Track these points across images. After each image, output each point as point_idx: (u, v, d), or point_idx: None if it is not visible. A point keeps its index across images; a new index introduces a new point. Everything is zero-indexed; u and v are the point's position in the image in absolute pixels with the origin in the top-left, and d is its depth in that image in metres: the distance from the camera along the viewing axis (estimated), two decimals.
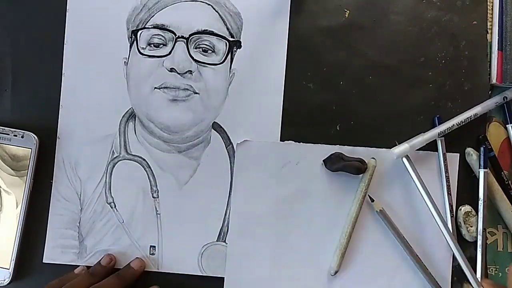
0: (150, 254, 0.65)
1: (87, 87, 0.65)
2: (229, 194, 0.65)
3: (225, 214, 0.64)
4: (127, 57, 0.65)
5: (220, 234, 0.64)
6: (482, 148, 0.63)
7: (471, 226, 0.64)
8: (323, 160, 0.65)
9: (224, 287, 0.65)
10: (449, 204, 0.63)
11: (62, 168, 0.65)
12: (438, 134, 0.63)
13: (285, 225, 0.65)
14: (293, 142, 0.65)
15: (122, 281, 0.62)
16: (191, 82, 0.64)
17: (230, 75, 0.65)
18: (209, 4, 0.65)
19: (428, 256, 0.64)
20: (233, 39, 0.65)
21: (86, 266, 0.65)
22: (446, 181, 0.64)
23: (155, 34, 0.64)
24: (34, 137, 0.63)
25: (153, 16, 0.65)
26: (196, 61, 0.64)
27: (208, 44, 0.65)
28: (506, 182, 0.64)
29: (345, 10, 0.66)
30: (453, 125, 0.64)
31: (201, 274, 0.65)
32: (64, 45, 0.66)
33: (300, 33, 0.66)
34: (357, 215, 0.63)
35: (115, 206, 0.65)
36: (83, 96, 0.65)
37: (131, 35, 0.65)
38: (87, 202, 0.65)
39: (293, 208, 0.65)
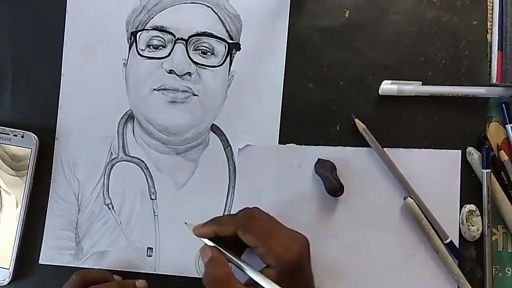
0: (147, 256, 0.74)
1: (86, 88, 0.75)
2: (227, 196, 0.74)
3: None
4: (126, 58, 0.75)
5: None
6: (484, 148, 0.73)
7: (473, 226, 0.73)
8: (315, 164, 0.74)
9: None
10: None
11: (60, 169, 0.75)
12: (430, 95, 0.74)
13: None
14: (294, 144, 0.75)
15: None
16: (190, 84, 0.74)
17: (229, 77, 0.75)
18: (208, 6, 0.75)
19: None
20: (232, 41, 0.75)
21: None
22: None
23: (155, 36, 0.74)
24: (34, 137, 0.73)
25: (152, 18, 0.75)
26: (195, 63, 0.74)
27: (207, 46, 0.75)
28: (506, 182, 0.74)
29: (345, 10, 0.76)
30: (452, 93, 0.74)
31: (199, 277, 0.74)
32: (64, 46, 0.76)
33: (300, 33, 0.76)
34: None
35: (112, 208, 0.74)
36: (82, 97, 0.75)
37: (131, 36, 0.75)
38: (85, 203, 0.74)
39: (295, 212, 0.74)
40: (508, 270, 0.75)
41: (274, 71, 0.75)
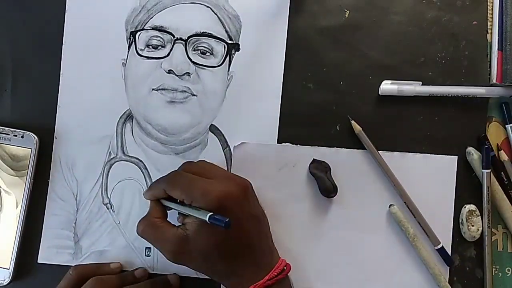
0: (145, 255, 0.75)
1: (85, 88, 0.76)
2: None
3: None
4: (125, 58, 0.76)
5: None
6: (484, 148, 0.74)
7: (472, 226, 0.74)
8: (310, 164, 0.76)
9: None
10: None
11: (58, 168, 0.76)
12: (430, 95, 0.75)
13: (281, 228, 0.75)
14: (290, 144, 0.76)
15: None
16: (189, 84, 0.76)
17: (228, 77, 0.76)
18: (208, 7, 0.76)
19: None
20: (232, 42, 0.76)
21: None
22: None
23: (154, 36, 0.76)
24: (34, 137, 0.74)
25: (152, 18, 0.76)
26: (194, 63, 0.76)
27: (206, 46, 0.76)
28: (506, 182, 0.75)
29: (345, 10, 0.77)
30: (452, 93, 0.75)
31: (196, 277, 0.75)
32: (63, 45, 0.77)
33: (300, 33, 0.77)
34: None
35: (111, 207, 0.76)
36: (81, 97, 0.76)
37: (130, 36, 0.76)
38: (83, 203, 0.76)
39: (290, 211, 0.75)
40: (508, 270, 0.76)
41: (273, 71, 0.77)
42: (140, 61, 0.76)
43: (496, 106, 0.77)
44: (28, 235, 0.76)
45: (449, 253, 0.75)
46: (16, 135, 0.75)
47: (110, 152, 0.76)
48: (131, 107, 0.77)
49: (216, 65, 0.76)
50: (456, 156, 0.76)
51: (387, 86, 0.76)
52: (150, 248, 0.76)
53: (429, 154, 0.76)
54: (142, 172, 0.76)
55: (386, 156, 0.76)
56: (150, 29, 0.76)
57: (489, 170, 0.74)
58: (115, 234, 0.76)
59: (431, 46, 0.77)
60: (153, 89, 0.76)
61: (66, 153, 0.77)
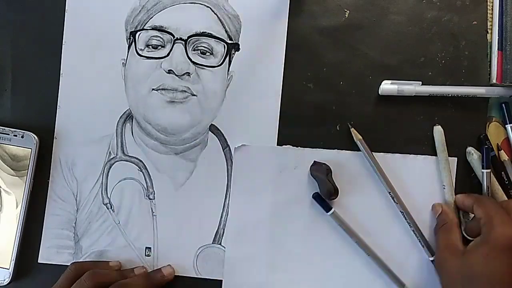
0: (145, 255, 0.76)
1: (85, 88, 0.77)
2: (225, 196, 0.76)
3: (221, 217, 0.76)
4: (125, 58, 0.77)
5: (215, 236, 0.76)
6: (484, 148, 0.74)
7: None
8: (310, 166, 0.76)
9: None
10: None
11: (58, 168, 0.77)
12: (430, 95, 0.76)
13: (282, 230, 0.76)
14: (290, 146, 0.77)
15: (150, 283, 0.74)
16: (189, 84, 0.76)
17: (228, 77, 0.77)
18: (207, 6, 0.77)
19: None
20: (232, 42, 0.77)
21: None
22: None
23: (154, 36, 0.76)
24: (34, 137, 0.75)
25: (151, 18, 0.77)
26: (194, 63, 0.76)
27: (206, 46, 0.77)
28: (506, 182, 0.75)
29: (345, 10, 0.78)
30: (452, 93, 0.76)
31: (196, 276, 0.76)
32: (63, 45, 0.78)
33: (300, 33, 0.77)
34: None
35: (111, 207, 0.76)
36: (81, 97, 0.77)
37: (130, 36, 0.77)
38: (83, 203, 0.77)
39: (290, 213, 0.76)
40: None
41: (273, 71, 0.77)
42: (140, 61, 0.77)
43: (496, 106, 0.77)
44: (28, 235, 0.77)
45: None
46: (16, 135, 0.76)
47: (110, 152, 0.77)
48: (131, 107, 0.77)
49: (216, 65, 0.77)
50: (456, 158, 0.77)
51: (387, 86, 0.76)
52: (150, 248, 0.77)
53: (430, 156, 0.77)
54: (142, 172, 0.77)
55: (386, 158, 0.77)
56: (150, 29, 0.77)
57: (489, 170, 0.75)
58: (115, 234, 0.77)
59: (431, 46, 0.78)
60: (153, 89, 0.77)
61: (66, 153, 0.78)
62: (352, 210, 0.77)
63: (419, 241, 0.76)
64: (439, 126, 0.76)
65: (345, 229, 0.75)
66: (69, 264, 0.76)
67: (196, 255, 0.76)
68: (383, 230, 0.77)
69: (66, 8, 0.78)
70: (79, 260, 0.77)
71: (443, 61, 0.78)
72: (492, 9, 0.78)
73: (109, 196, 0.77)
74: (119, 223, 0.77)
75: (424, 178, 0.77)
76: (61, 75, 0.78)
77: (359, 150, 0.77)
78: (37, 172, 0.77)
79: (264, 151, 0.77)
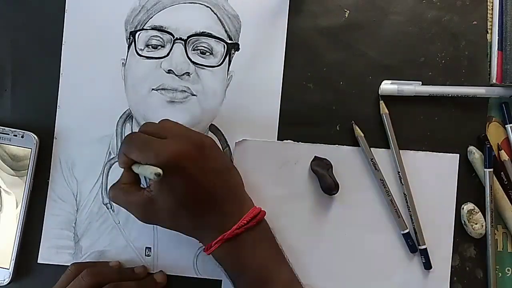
0: (145, 255, 0.76)
1: (85, 88, 0.78)
2: None
3: None
4: (125, 58, 0.78)
5: None
6: (486, 148, 0.75)
7: (476, 224, 0.75)
8: (311, 161, 0.77)
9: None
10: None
11: (58, 169, 0.77)
12: (430, 95, 0.77)
13: (283, 225, 0.76)
14: (291, 141, 0.77)
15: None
16: (189, 84, 0.77)
17: (228, 77, 0.77)
18: (207, 6, 0.77)
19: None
20: (231, 42, 0.77)
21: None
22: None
23: (153, 36, 0.77)
24: (34, 137, 0.75)
25: (151, 18, 0.77)
26: (194, 63, 0.77)
27: (206, 46, 0.77)
28: (506, 182, 0.76)
29: (345, 10, 0.78)
30: (452, 93, 0.76)
31: (197, 276, 0.77)
32: (62, 45, 0.78)
33: (300, 33, 0.78)
34: None
35: (111, 207, 0.77)
36: (81, 97, 0.77)
37: (129, 36, 0.77)
38: (83, 203, 0.77)
39: (291, 208, 0.77)
40: (508, 270, 0.77)
41: (273, 71, 0.78)
42: (139, 61, 0.78)
43: (496, 106, 0.78)
44: (28, 235, 0.77)
45: (451, 251, 0.76)
46: (16, 135, 0.76)
47: (110, 152, 0.78)
48: (131, 107, 0.78)
49: (216, 65, 0.77)
50: (458, 155, 0.77)
51: (387, 86, 0.77)
52: (150, 248, 0.77)
53: (431, 152, 0.77)
54: None
55: (388, 153, 0.77)
56: (149, 29, 0.78)
57: (491, 169, 0.75)
58: (115, 234, 0.77)
59: (431, 46, 0.78)
60: (152, 89, 0.77)
61: (66, 153, 0.78)
62: (353, 204, 0.77)
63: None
64: None
65: None
66: (69, 264, 0.76)
67: (196, 255, 0.76)
68: (383, 223, 0.77)
69: (66, 8, 0.79)
70: (79, 261, 0.77)
71: (443, 61, 0.78)
72: (492, 9, 0.78)
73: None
74: (119, 223, 0.77)
75: (426, 174, 0.77)
76: (61, 75, 0.78)
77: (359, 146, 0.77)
78: (37, 172, 0.77)
79: (264, 146, 0.77)
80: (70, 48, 0.78)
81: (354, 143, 0.77)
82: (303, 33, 0.79)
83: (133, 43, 0.78)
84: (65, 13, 0.79)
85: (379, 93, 0.77)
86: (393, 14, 0.79)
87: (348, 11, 0.79)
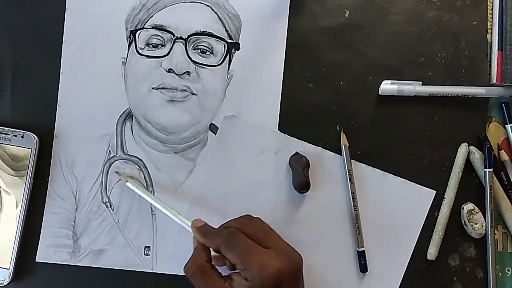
0: (144, 254, 0.77)
1: (85, 87, 0.78)
2: None
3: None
4: (125, 57, 0.78)
5: None
6: (486, 147, 0.75)
7: (476, 224, 0.76)
8: (291, 155, 0.77)
9: None
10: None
11: (58, 167, 0.77)
12: (430, 95, 0.77)
13: (249, 208, 0.74)
14: (278, 131, 0.77)
15: None
16: (189, 83, 0.77)
17: (228, 76, 0.78)
18: (208, 6, 0.78)
19: None
20: (232, 41, 0.78)
21: None
22: None
23: (154, 35, 0.77)
24: (34, 137, 0.75)
25: (152, 17, 0.77)
26: (194, 62, 0.77)
27: (206, 45, 0.77)
28: (506, 182, 0.76)
29: (345, 10, 0.79)
30: (452, 93, 0.77)
31: None
32: (62, 44, 0.78)
33: (300, 33, 0.78)
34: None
35: (110, 206, 0.77)
36: (81, 95, 0.78)
37: (130, 35, 0.78)
38: (83, 202, 0.77)
39: (259, 195, 0.77)
40: (508, 270, 0.78)
41: (273, 71, 0.78)
42: (140, 60, 0.78)
43: (496, 106, 0.79)
44: (28, 235, 0.77)
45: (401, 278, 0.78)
46: (16, 135, 0.76)
47: (110, 150, 0.78)
48: (131, 106, 0.78)
49: (216, 64, 0.78)
50: (435, 191, 0.78)
51: (387, 86, 0.77)
52: (149, 247, 0.77)
53: (410, 182, 0.78)
54: (142, 171, 0.77)
55: (368, 171, 0.78)
56: (150, 28, 0.78)
57: (491, 169, 0.76)
58: (114, 233, 0.77)
59: (431, 46, 0.79)
60: (153, 88, 0.78)
61: (65, 151, 0.78)
62: (319, 208, 0.78)
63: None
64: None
65: None
66: (66, 263, 0.76)
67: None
68: (339, 236, 0.78)
69: (66, 7, 0.79)
70: (78, 260, 0.77)
71: (443, 61, 0.79)
72: (492, 9, 0.79)
73: (108, 195, 0.77)
74: (118, 222, 0.77)
75: (397, 201, 0.78)
76: (61, 74, 0.78)
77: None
78: (37, 172, 0.77)
79: (251, 127, 0.78)
80: (70, 47, 0.79)
81: (354, 143, 0.78)
82: (303, 33, 0.79)
83: (133, 42, 0.78)
84: (66, 12, 0.79)
85: (379, 93, 0.78)
86: (393, 14, 0.79)
87: (348, 11, 0.79)
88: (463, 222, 0.77)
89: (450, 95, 0.77)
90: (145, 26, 0.78)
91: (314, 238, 0.77)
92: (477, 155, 0.77)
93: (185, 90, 0.77)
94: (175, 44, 0.77)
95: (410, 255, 0.77)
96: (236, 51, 0.78)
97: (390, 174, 0.78)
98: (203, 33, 0.78)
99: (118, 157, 0.78)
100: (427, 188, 0.78)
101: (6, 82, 0.79)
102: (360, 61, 0.79)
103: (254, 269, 0.63)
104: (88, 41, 0.78)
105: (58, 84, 0.79)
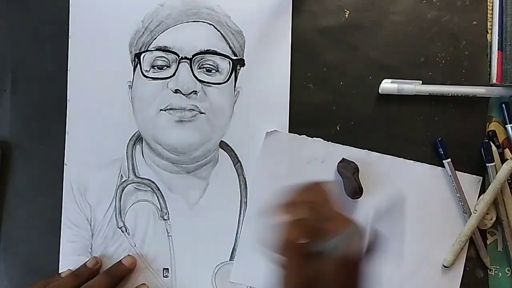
0: (163, 276, 0.78)
1: (93, 113, 0.77)
2: (240, 212, 0.78)
3: (237, 233, 0.77)
4: (131, 80, 0.77)
5: (232, 253, 0.78)
6: (484, 143, 0.77)
7: (487, 213, 0.77)
8: (338, 162, 0.77)
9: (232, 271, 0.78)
10: None
11: (71, 195, 0.77)
12: (430, 94, 0.78)
13: None
14: (321, 139, 0.78)
15: (112, 278, 0.74)
16: (197, 102, 0.77)
17: (235, 93, 0.78)
18: (211, 24, 0.77)
19: None
20: (236, 58, 0.77)
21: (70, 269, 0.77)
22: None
23: (158, 56, 0.76)
24: None
25: (155, 39, 0.77)
26: (200, 81, 0.77)
27: (211, 63, 0.77)
28: (509, 181, 0.77)
29: (345, 10, 0.78)
30: (452, 92, 0.78)
31: None
32: (68, 71, 0.78)
33: (300, 33, 0.78)
34: None
35: (126, 230, 0.77)
36: (89, 122, 0.77)
37: (134, 58, 0.77)
38: (98, 228, 0.77)
39: None
40: (508, 270, 0.79)
41: (279, 83, 0.78)
42: (146, 82, 0.77)
43: (496, 106, 0.80)
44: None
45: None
46: None
47: (121, 175, 0.78)
48: (140, 128, 0.78)
49: (222, 81, 0.77)
50: (481, 177, 0.79)
51: (387, 85, 0.78)
52: (167, 269, 0.78)
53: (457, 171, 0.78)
54: (155, 193, 0.78)
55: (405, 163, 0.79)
56: (154, 50, 0.77)
57: (493, 164, 0.77)
58: None
59: (431, 46, 0.79)
60: (161, 110, 0.77)
61: (77, 179, 0.78)
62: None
63: None
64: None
65: None
66: None
67: (214, 273, 0.78)
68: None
69: (69, 34, 0.78)
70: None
71: (443, 61, 0.79)
72: (492, 9, 0.79)
73: (123, 219, 0.78)
74: (135, 246, 0.78)
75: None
76: (68, 101, 0.78)
77: (361, 147, 0.79)
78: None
79: (294, 139, 0.78)
80: (76, 74, 0.78)
81: (354, 143, 0.79)
82: (303, 34, 0.79)
83: (138, 65, 0.77)
84: (69, 39, 0.78)
85: (379, 91, 0.78)
86: (393, 14, 0.79)
87: (348, 11, 0.79)
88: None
89: (450, 95, 0.78)
90: (149, 49, 0.77)
91: None
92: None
93: (193, 110, 0.77)
94: (180, 65, 0.77)
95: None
96: (242, 67, 0.78)
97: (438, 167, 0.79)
98: (208, 52, 0.77)
99: (130, 180, 0.78)
100: (474, 176, 0.79)
101: (6, 82, 0.79)
102: (360, 61, 0.79)
103: None
104: (93, 67, 0.78)
105: (65, 111, 0.78)
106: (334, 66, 0.79)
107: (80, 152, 0.78)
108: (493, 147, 0.78)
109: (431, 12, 0.79)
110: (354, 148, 0.78)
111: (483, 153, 0.78)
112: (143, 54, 0.77)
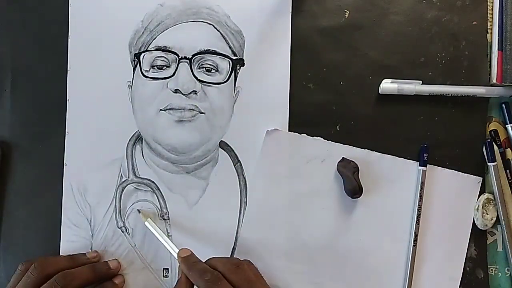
0: (163, 276, 0.78)
1: (93, 113, 0.78)
2: (239, 212, 0.78)
3: (237, 233, 0.78)
4: (131, 80, 0.77)
5: (232, 252, 0.78)
6: (487, 142, 0.77)
7: (487, 214, 0.77)
8: (338, 162, 0.77)
9: None
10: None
11: (70, 195, 0.77)
12: (430, 94, 0.78)
13: (301, 220, 0.78)
14: (321, 138, 0.78)
15: (94, 273, 0.74)
16: (196, 102, 0.77)
17: (235, 93, 0.78)
18: (210, 24, 0.77)
19: None
20: (236, 58, 0.78)
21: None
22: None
23: (158, 56, 0.77)
24: None
25: (155, 39, 0.77)
26: (200, 81, 0.77)
27: (211, 63, 0.77)
28: (510, 181, 0.78)
29: (345, 10, 0.79)
30: (452, 92, 0.78)
31: None
32: (68, 71, 0.78)
33: (300, 33, 0.78)
34: None
35: (126, 230, 0.78)
36: (89, 122, 0.77)
37: (134, 58, 0.77)
38: (98, 228, 0.78)
39: (312, 205, 0.78)
40: (508, 270, 0.79)
41: (279, 83, 0.78)
42: (146, 82, 0.77)
43: (496, 106, 0.80)
44: None
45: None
46: None
47: (121, 175, 0.78)
48: (140, 128, 0.78)
49: (222, 81, 0.78)
50: (481, 178, 0.79)
51: (387, 85, 0.78)
52: (168, 268, 0.78)
53: (457, 172, 0.79)
54: (155, 193, 0.78)
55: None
56: (154, 50, 0.77)
57: (495, 163, 0.78)
58: (131, 257, 0.78)
59: (431, 46, 0.79)
60: (160, 110, 0.77)
61: (77, 179, 0.78)
62: (374, 211, 0.79)
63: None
64: None
65: None
66: None
67: None
68: (402, 233, 0.79)
69: (69, 34, 0.78)
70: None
71: (443, 61, 0.79)
72: (492, 9, 0.79)
73: (123, 219, 0.78)
74: (135, 245, 0.78)
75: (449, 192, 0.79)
76: (68, 101, 0.78)
77: (361, 147, 0.79)
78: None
79: (294, 138, 0.78)
80: (76, 74, 0.78)
81: (355, 143, 0.79)
82: (303, 34, 0.79)
83: (138, 64, 0.77)
84: (69, 39, 0.78)
85: (379, 91, 0.78)
86: (393, 14, 0.79)
87: (348, 11, 0.79)
88: (476, 206, 0.78)
89: (450, 95, 0.78)
90: (148, 49, 0.77)
91: (373, 243, 0.79)
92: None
93: (193, 110, 0.77)
94: (180, 64, 0.77)
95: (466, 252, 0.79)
96: (241, 67, 0.78)
97: (439, 167, 0.79)
98: (207, 52, 0.77)
99: (130, 180, 0.78)
100: (474, 176, 0.79)
101: (6, 82, 0.79)
102: (360, 61, 0.79)
103: None
104: (93, 67, 0.78)
105: (65, 111, 0.78)
106: (334, 66, 0.79)
107: (80, 152, 0.78)
108: (495, 147, 0.78)
109: (431, 12, 0.79)
110: (354, 147, 0.79)
111: (485, 152, 0.79)
112: (142, 54, 0.77)
